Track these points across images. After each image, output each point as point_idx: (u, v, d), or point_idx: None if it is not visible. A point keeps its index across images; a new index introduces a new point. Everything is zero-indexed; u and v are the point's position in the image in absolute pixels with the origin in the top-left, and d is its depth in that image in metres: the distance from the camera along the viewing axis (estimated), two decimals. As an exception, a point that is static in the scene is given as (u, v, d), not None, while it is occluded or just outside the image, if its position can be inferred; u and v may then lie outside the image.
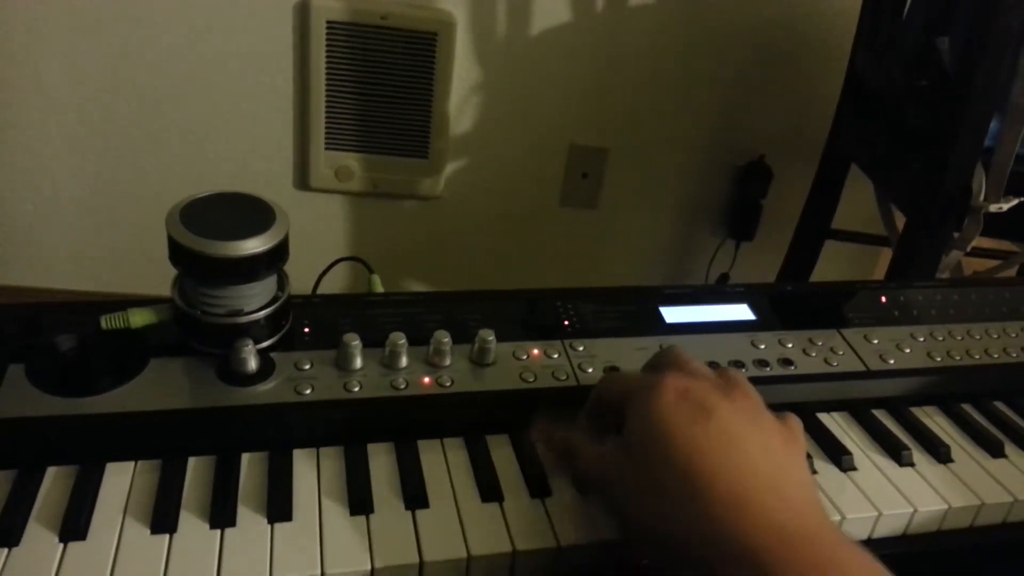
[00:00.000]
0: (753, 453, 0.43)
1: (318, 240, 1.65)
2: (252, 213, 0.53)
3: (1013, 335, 0.66)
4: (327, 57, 1.47)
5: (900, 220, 1.24)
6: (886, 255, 1.46)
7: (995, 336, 0.66)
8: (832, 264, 1.63)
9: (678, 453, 0.42)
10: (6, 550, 0.43)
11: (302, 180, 1.60)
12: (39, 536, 0.44)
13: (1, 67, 1.45)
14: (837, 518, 0.51)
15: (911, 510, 0.52)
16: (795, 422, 0.49)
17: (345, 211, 1.65)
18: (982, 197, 1.09)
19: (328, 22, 1.44)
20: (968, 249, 1.13)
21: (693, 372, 0.48)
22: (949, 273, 1.18)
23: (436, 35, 1.47)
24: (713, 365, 0.58)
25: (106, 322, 0.54)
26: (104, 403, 0.50)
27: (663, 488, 0.42)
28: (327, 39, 1.45)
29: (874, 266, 1.78)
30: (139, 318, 0.54)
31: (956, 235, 1.13)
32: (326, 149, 1.55)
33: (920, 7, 1.21)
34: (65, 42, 1.44)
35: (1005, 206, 1.08)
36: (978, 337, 0.66)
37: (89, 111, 1.50)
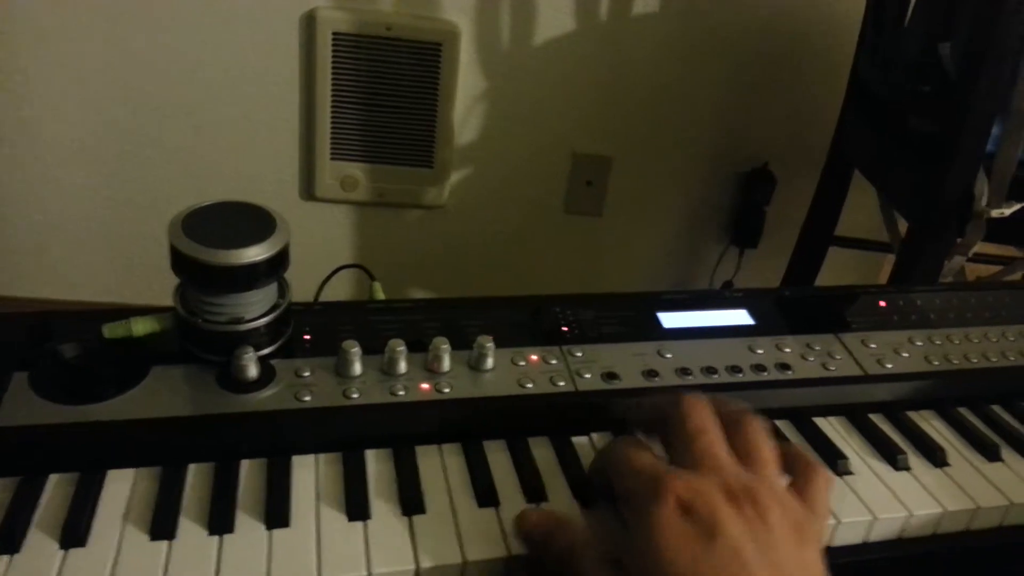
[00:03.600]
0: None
1: (324, 250, 1.66)
2: (253, 222, 0.54)
3: (1011, 339, 0.66)
4: (333, 68, 1.48)
5: (903, 226, 1.24)
6: (890, 261, 1.45)
7: (993, 340, 0.66)
8: (836, 271, 1.63)
9: None
10: (7, 557, 0.43)
11: (308, 190, 1.61)
12: (40, 543, 0.45)
13: (9, 79, 1.46)
14: (832, 522, 0.51)
15: (906, 514, 0.52)
16: (818, 483, 0.46)
17: (351, 220, 1.66)
18: (984, 202, 1.09)
19: (334, 33, 1.45)
20: (971, 254, 1.13)
21: (701, 456, 0.45)
22: (952, 278, 1.18)
23: (440, 45, 1.48)
24: (711, 371, 0.59)
25: (108, 330, 0.54)
26: (106, 411, 0.50)
27: None
28: (333, 50, 1.46)
29: (878, 272, 1.78)
30: (141, 326, 0.55)
31: (959, 241, 1.13)
32: (332, 159, 1.57)
33: (922, 14, 1.21)
34: (73, 54, 1.45)
35: (1007, 211, 1.08)
36: (976, 341, 0.66)
37: (97, 124, 1.52)
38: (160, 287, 1.59)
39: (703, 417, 0.46)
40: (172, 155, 1.56)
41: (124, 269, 1.66)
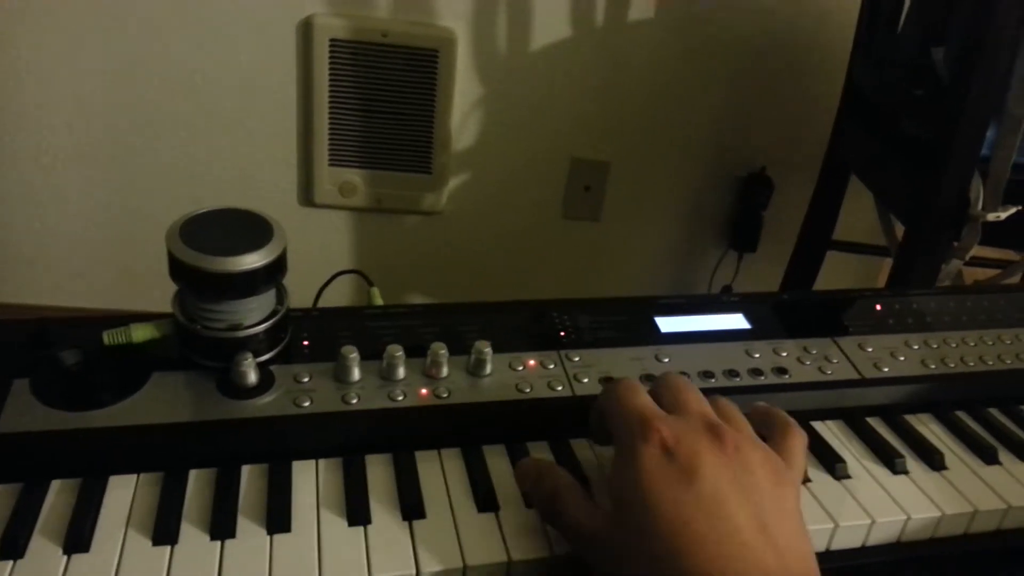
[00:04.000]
0: (738, 517, 0.42)
1: (323, 255, 1.66)
2: (250, 228, 0.54)
3: (1007, 342, 0.67)
4: (330, 75, 1.49)
5: (901, 230, 1.25)
6: (888, 265, 1.46)
7: (990, 343, 0.66)
8: (835, 275, 1.64)
9: (662, 520, 0.42)
10: (10, 562, 0.44)
11: (306, 196, 1.61)
12: (43, 548, 0.45)
13: (7, 87, 1.47)
14: (831, 526, 0.51)
15: (905, 517, 0.52)
16: (794, 438, 0.49)
17: (349, 226, 1.66)
18: (980, 206, 1.09)
19: (331, 40, 1.46)
20: (967, 258, 1.14)
21: (685, 406, 0.48)
22: (950, 282, 1.19)
23: (437, 52, 1.48)
24: (709, 375, 0.59)
25: (108, 337, 0.55)
26: (107, 417, 0.50)
27: (649, 555, 0.42)
28: (330, 57, 1.47)
29: (877, 276, 1.79)
30: (141, 333, 0.55)
31: (955, 244, 1.13)
32: (330, 165, 1.57)
33: (915, 19, 1.22)
34: (70, 62, 1.46)
35: (1003, 215, 1.09)
36: (973, 344, 0.66)
37: (94, 130, 1.52)
38: (159, 294, 1.59)
39: (690, 385, 0.50)
40: (170, 162, 1.56)
41: (122, 276, 1.66)
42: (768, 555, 0.41)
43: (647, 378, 0.58)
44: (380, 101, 1.53)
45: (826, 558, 0.51)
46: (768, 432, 0.49)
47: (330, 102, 1.51)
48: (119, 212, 1.60)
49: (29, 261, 1.63)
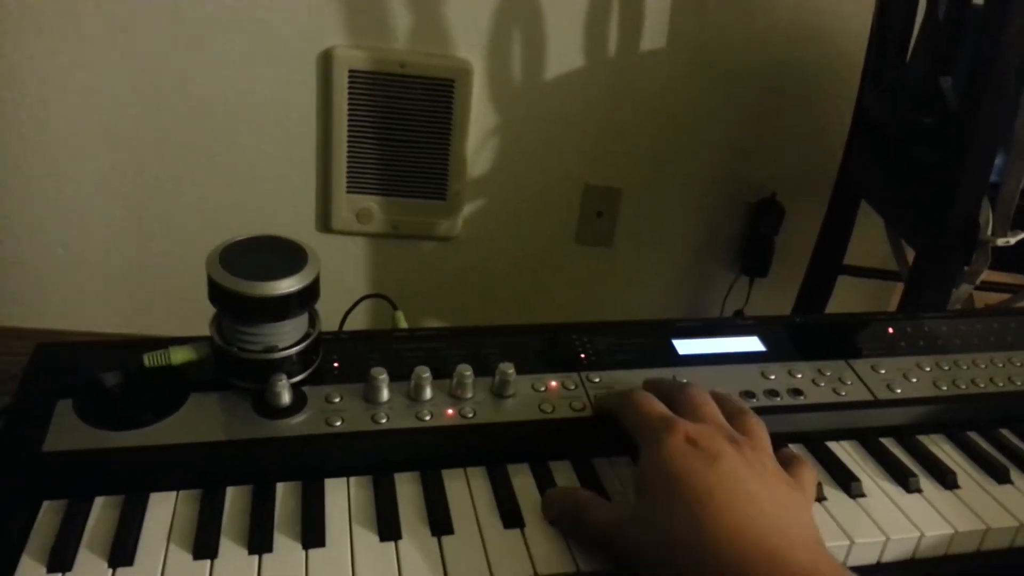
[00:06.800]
0: (756, 493, 0.45)
1: (341, 280, 1.68)
2: (286, 255, 0.56)
3: (1018, 364, 0.68)
4: (349, 104, 1.52)
5: (911, 255, 1.26)
6: (900, 290, 1.47)
7: (1000, 365, 0.68)
8: (846, 299, 1.65)
9: (687, 491, 0.45)
10: (60, 575, 0.46)
11: (324, 223, 1.64)
12: (90, 562, 0.47)
13: (35, 114, 1.51)
14: (846, 543, 0.52)
15: (918, 535, 0.54)
16: (806, 471, 0.52)
17: (366, 252, 1.69)
18: (989, 231, 1.11)
19: (350, 71, 1.49)
20: (977, 283, 1.15)
21: (704, 418, 0.51)
22: (961, 306, 1.20)
23: (453, 82, 1.52)
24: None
25: (148, 359, 0.57)
26: (148, 436, 0.53)
27: (674, 527, 0.45)
28: (349, 87, 1.50)
29: (888, 301, 1.80)
30: (179, 355, 0.57)
31: (966, 269, 1.15)
32: (347, 192, 1.60)
33: (924, 48, 1.24)
34: (97, 90, 1.50)
35: (1012, 240, 1.10)
36: (983, 366, 0.68)
37: (119, 158, 1.55)
38: (180, 320, 1.62)
39: (708, 397, 0.54)
40: (191, 190, 1.59)
41: (142, 302, 1.69)
42: (785, 523, 0.44)
43: (663, 394, 0.60)
44: (397, 130, 1.56)
45: (842, 574, 0.52)
46: (783, 466, 0.52)
47: (348, 131, 1.55)
48: (140, 239, 1.63)
49: (51, 287, 1.66)
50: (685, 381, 0.56)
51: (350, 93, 1.51)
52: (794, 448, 0.60)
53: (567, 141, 1.62)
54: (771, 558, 0.42)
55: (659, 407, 0.52)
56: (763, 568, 0.42)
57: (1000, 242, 1.11)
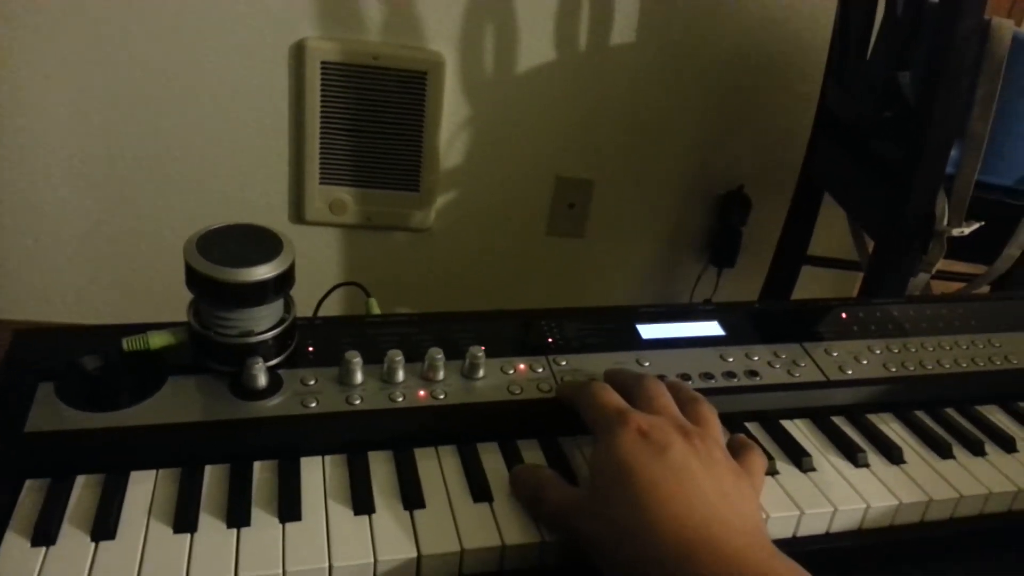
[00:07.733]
0: (701, 483, 0.48)
1: (315, 271, 1.70)
2: (262, 242, 0.58)
3: (963, 347, 0.72)
4: (321, 96, 1.53)
5: (872, 245, 1.30)
6: (861, 279, 1.51)
7: (947, 348, 0.71)
8: (810, 288, 1.69)
9: (635, 482, 0.48)
10: (44, 548, 0.47)
11: (297, 214, 1.65)
12: (73, 536, 0.48)
13: (4, 104, 1.50)
14: (796, 513, 0.55)
15: (865, 506, 0.57)
16: (755, 458, 0.54)
17: (340, 243, 1.70)
18: (945, 222, 1.15)
19: (322, 63, 1.50)
20: (934, 271, 1.19)
21: (657, 409, 0.54)
22: (918, 294, 1.24)
23: (426, 74, 1.53)
24: (686, 378, 0.64)
25: (128, 344, 0.58)
26: (127, 417, 0.54)
27: (622, 515, 0.48)
28: (321, 79, 1.51)
29: (851, 290, 1.85)
30: (158, 340, 0.59)
31: (923, 258, 1.19)
32: (320, 183, 1.61)
33: (883, 46, 1.28)
34: (67, 81, 1.49)
35: (967, 230, 1.15)
36: (931, 349, 0.71)
37: (90, 148, 1.55)
38: (152, 308, 1.63)
39: (662, 389, 0.57)
40: (164, 180, 1.60)
41: (117, 291, 1.69)
42: (726, 511, 0.47)
43: (621, 385, 0.62)
44: (370, 122, 1.57)
45: (793, 543, 0.55)
46: (733, 452, 0.54)
47: (321, 123, 1.56)
48: (114, 229, 1.63)
49: (21, 277, 1.66)
50: (643, 373, 0.59)
51: (323, 85, 1.52)
52: (749, 427, 0.63)
53: (539, 133, 1.64)
54: (709, 543, 0.45)
55: (615, 399, 0.55)
56: (701, 553, 0.45)
57: (955, 232, 1.15)
